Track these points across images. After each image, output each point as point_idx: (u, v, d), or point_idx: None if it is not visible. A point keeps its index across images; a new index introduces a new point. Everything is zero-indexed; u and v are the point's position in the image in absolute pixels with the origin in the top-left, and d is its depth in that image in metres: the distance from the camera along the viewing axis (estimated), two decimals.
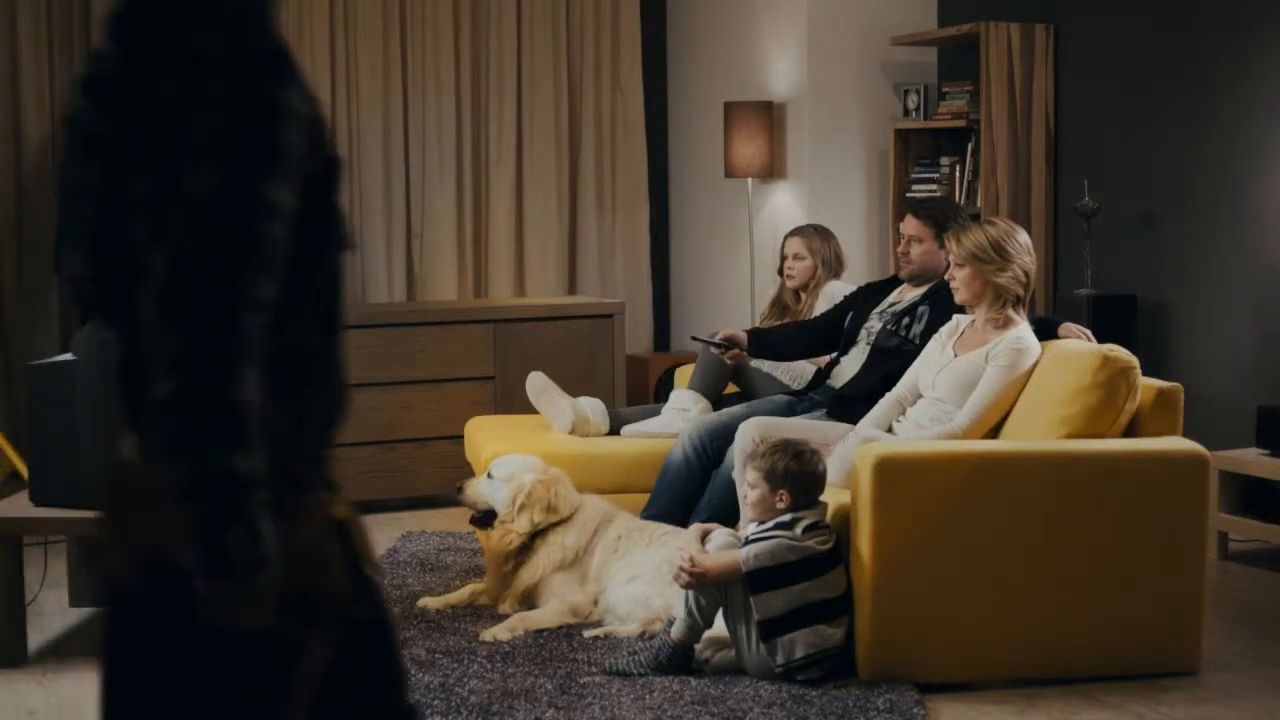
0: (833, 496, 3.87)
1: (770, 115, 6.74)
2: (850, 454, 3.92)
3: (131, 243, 1.59)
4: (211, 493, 1.48)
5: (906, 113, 6.74)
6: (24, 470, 5.42)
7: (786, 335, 4.98)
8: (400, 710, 1.82)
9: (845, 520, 3.77)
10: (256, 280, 1.51)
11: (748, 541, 3.73)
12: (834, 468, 4.00)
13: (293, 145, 1.54)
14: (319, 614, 1.64)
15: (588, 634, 4.05)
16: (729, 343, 4.87)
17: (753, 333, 4.95)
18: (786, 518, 3.74)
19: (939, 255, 4.54)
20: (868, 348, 4.64)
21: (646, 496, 4.68)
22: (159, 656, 1.62)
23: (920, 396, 4.21)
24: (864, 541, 3.67)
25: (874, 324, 4.70)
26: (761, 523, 3.77)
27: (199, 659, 1.60)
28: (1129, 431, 3.95)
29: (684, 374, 5.35)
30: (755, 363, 5.13)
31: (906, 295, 4.69)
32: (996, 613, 3.73)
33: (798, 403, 4.78)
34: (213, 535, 1.48)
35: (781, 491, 3.76)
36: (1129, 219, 5.86)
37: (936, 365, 4.17)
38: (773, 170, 6.79)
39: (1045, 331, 4.19)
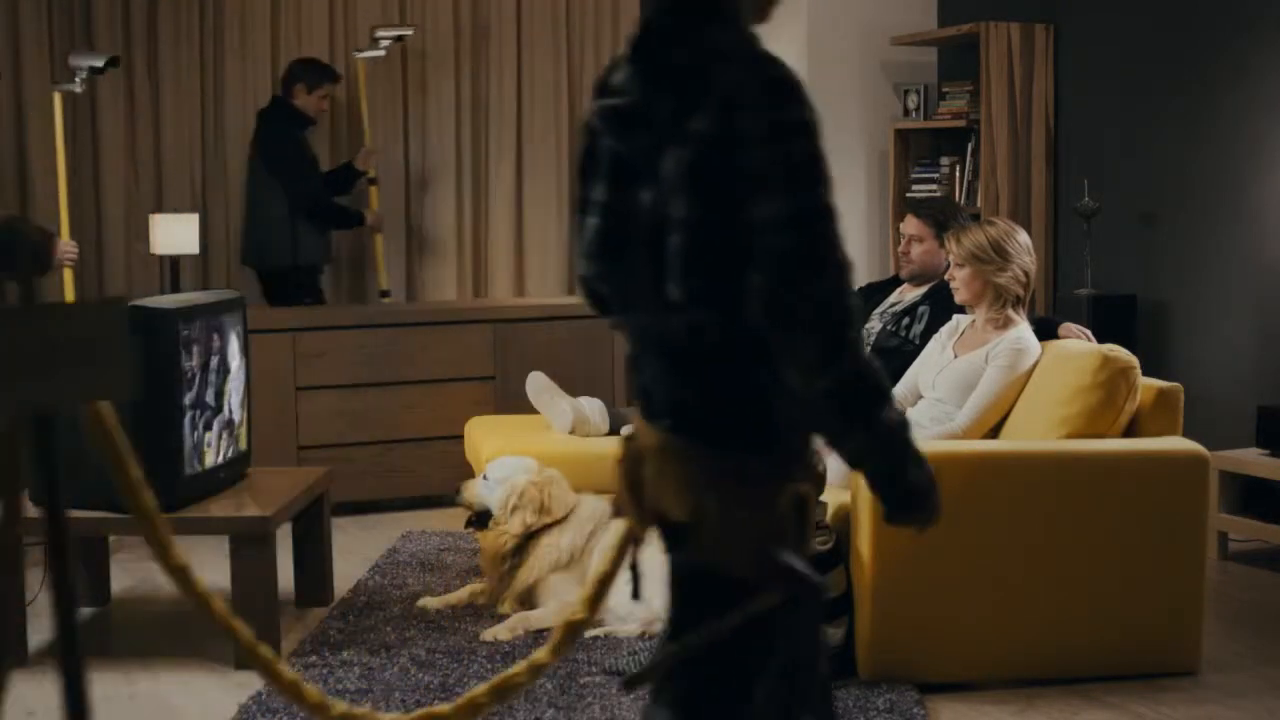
0: (833, 496, 3.87)
1: None
2: None
3: (654, 253, 1.80)
4: (892, 443, 1.80)
5: (906, 113, 6.74)
6: None
7: None
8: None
9: (845, 520, 3.77)
10: (845, 276, 1.76)
11: None
12: (834, 468, 4.00)
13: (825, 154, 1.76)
14: (785, 571, 1.83)
15: (588, 634, 4.05)
16: None
17: None
18: None
19: (939, 255, 4.54)
20: (868, 348, 4.64)
21: None
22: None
23: (920, 397, 4.21)
24: (864, 541, 3.67)
25: (874, 324, 4.69)
26: None
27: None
28: (1129, 431, 3.94)
29: None
30: None
31: (907, 295, 4.69)
32: (996, 613, 3.73)
33: None
34: (902, 475, 1.81)
35: None
36: (1129, 219, 5.86)
37: (936, 366, 4.17)
38: None
39: (1045, 331, 4.19)
